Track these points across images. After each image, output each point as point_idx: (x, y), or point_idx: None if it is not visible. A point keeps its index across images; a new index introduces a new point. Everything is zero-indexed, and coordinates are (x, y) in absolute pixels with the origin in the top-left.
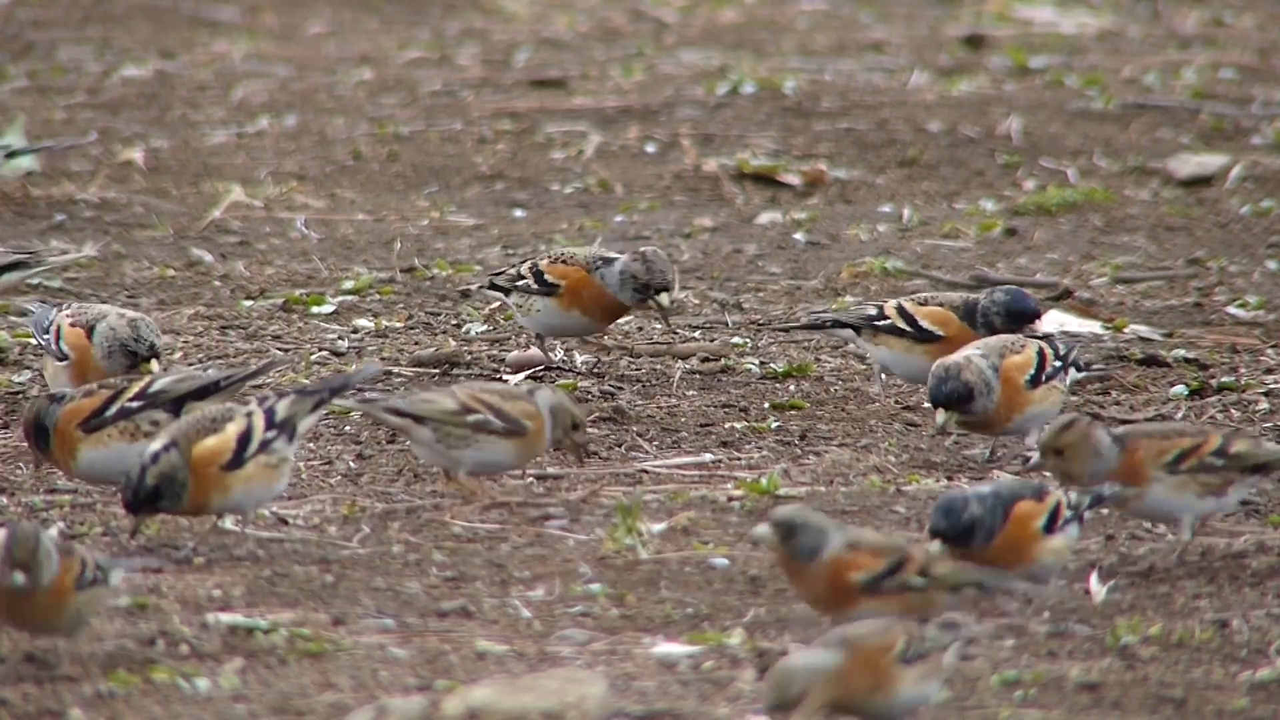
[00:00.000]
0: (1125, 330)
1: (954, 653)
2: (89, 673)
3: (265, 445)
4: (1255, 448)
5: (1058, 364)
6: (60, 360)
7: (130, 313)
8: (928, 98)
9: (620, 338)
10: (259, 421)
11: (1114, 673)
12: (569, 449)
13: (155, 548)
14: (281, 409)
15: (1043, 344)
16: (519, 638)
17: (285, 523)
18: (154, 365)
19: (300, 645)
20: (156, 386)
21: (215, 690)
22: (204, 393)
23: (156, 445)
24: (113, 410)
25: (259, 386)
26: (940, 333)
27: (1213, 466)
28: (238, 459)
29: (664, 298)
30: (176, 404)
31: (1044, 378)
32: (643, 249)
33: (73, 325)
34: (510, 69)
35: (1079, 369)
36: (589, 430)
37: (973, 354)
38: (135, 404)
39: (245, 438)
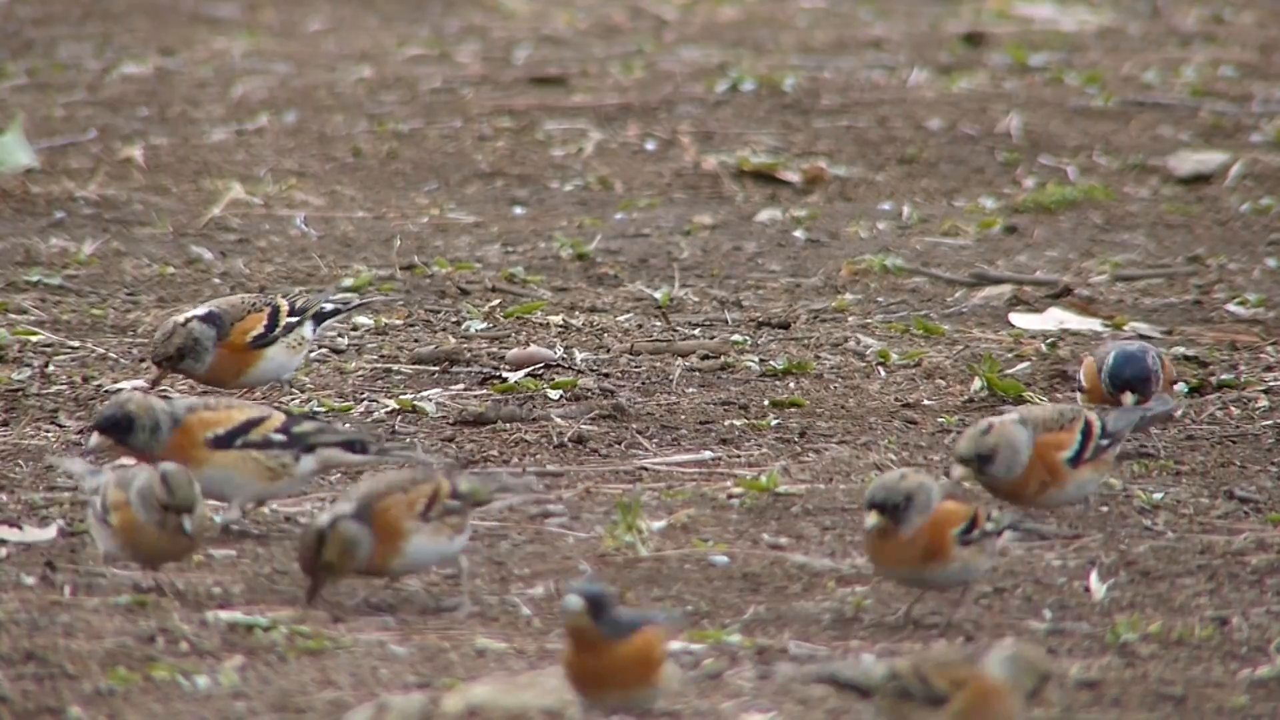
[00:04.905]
0: (1125, 328)
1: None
2: (89, 670)
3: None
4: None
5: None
6: None
7: None
8: (927, 95)
9: (620, 336)
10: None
11: (1114, 670)
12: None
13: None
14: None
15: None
16: (519, 635)
17: (286, 520)
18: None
19: (300, 643)
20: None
21: (215, 688)
22: None
23: None
24: None
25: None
26: (1085, 384)
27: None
28: None
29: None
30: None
31: (238, 443)
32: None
33: None
34: (510, 66)
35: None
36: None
37: (151, 402)
38: None
39: None
